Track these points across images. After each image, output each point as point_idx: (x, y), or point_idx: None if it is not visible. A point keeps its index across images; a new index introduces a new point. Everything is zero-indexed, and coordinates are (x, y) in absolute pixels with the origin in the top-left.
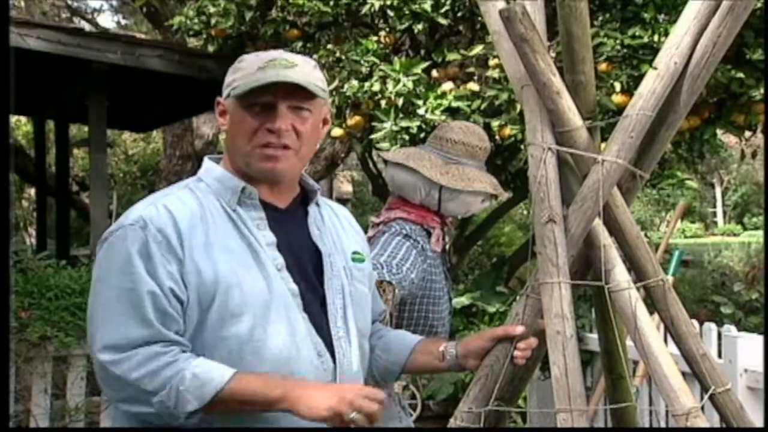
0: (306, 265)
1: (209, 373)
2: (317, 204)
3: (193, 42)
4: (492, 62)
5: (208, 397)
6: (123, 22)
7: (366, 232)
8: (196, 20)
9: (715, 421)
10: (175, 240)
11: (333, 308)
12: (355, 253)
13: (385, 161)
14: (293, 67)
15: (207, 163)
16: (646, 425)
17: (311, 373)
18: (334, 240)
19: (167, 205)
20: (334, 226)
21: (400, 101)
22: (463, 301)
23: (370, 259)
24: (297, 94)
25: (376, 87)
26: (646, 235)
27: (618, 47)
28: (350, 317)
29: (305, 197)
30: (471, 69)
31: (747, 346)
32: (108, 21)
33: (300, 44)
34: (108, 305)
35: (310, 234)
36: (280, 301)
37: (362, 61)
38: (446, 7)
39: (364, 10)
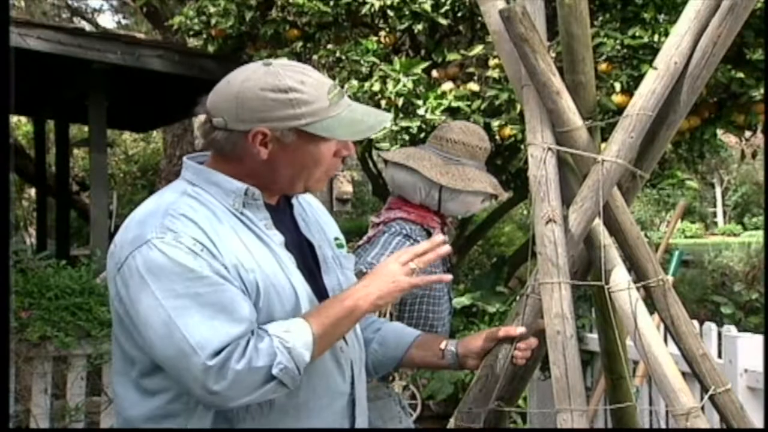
0: (309, 261)
1: (293, 326)
2: (296, 197)
3: (193, 42)
4: (492, 62)
5: (311, 341)
6: (123, 22)
7: (366, 232)
8: (196, 20)
9: (715, 421)
10: (211, 246)
11: None
12: (336, 239)
13: (385, 161)
14: (341, 91)
15: (193, 165)
16: (646, 425)
17: (333, 366)
18: (320, 230)
19: (185, 213)
20: (314, 216)
21: (400, 101)
22: (463, 301)
23: (346, 245)
24: None
25: (376, 87)
26: (646, 235)
27: (618, 47)
28: None
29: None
30: (471, 69)
31: (747, 346)
32: (108, 21)
33: (300, 44)
34: (192, 316)
35: (300, 228)
36: (305, 300)
37: (362, 61)
38: (446, 7)
39: (364, 10)
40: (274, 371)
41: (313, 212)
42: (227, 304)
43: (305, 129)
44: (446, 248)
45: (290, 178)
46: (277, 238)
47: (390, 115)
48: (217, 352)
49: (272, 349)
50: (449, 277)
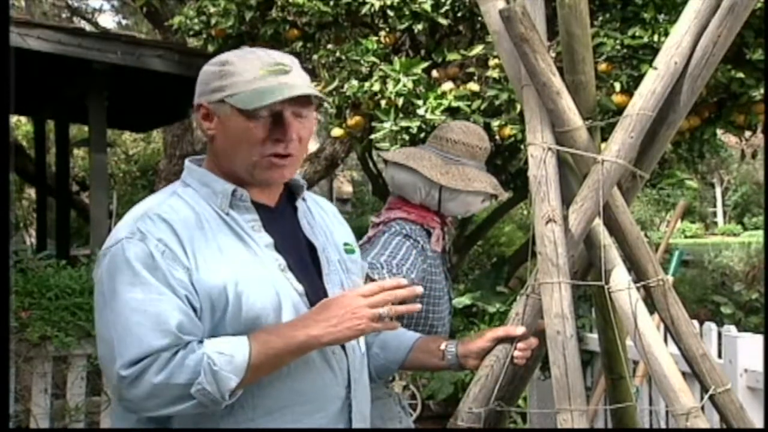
0: (307, 263)
1: (231, 347)
2: (303, 199)
3: (193, 42)
4: (492, 62)
5: (242, 367)
6: (123, 22)
7: (366, 232)
8: (196, 20)
9: (715, 421)
10: (178, 249)
11: None
12: (346, 244)
13: (385, 161)
14: (289, 72)
15: (190, 166)
16: (646, 425)
17: (326, 370)
18: (325, 233)
19: (161, 214)
20: (323, 220)
21: (400, 101)
22: (463, 301)
23: (359, 251)
24: (299, 100)
25: (376, 87)
26: (646, 235)
27: (618, 47)
28: None
29: (291, 193)
30: (471, 69)
31: (747, 346)
32: (108, 21)
33: (300, 44)
34: (121, 321)
35: (302, 229)
36: (288, 303)
37: (362, 61)
38: (446, 7)
39: (364, 10)
40: (192, 390)
41: (322, 215)
42: (161, 315)
43: (227, 101)
44: (416, 306)
45: (232, 158)
46: (262, 240)
47: (310, 88)
48: (134, 363)
49: (198, 367)
50: (417, 306)
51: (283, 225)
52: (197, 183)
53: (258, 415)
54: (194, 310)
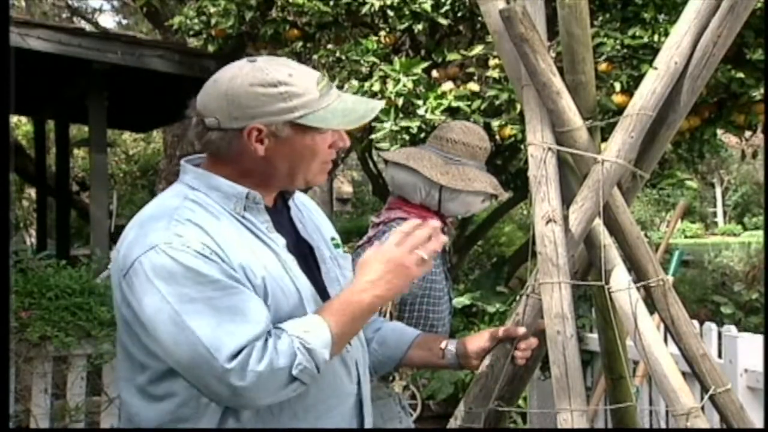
0: (310, 262)
1: (311, 325)
2: (292, 198)
3: (193, 42)
4: (492, 62)
5: (329, 340)
6: (123, 22)
7: (366, 232)
8: (196, 20)
9: (715, 421)
10: (219, 250)
11: None
12: (332, 239)
13: (385, 161)
14: (331, 83)
15: (191, 169)
16: (646, 425)
17: (340, 366)
18: (317, 231)
19: (190, 219)
20: (309, 216)
21: (400, 101)
22: (463, 301)
23: (342, 244)
24: None
25: (376, 87)
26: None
27: (618, 47)
28: None
29: (281, 193)
30: (471, 69)
31: (747, 346)
32: (108, 21)
33: (300, 44)
34: (206, 320)
35: (297, 229)
36: (311, 301)
37: (362, 61)
38: (446, 7)
39: (364, 10)
40: (295, 372)
41: (308, 213)
42: (241, 307)
43: (299, 122)
44: (444, 238)
45: (288, 173)
46: (279, 240)
47: (381, 103)
48: (235, 355)
49: (292, 349)
50: (444, 239)
51: (285, 226)
52: (206, 187)
53: (285, 417)
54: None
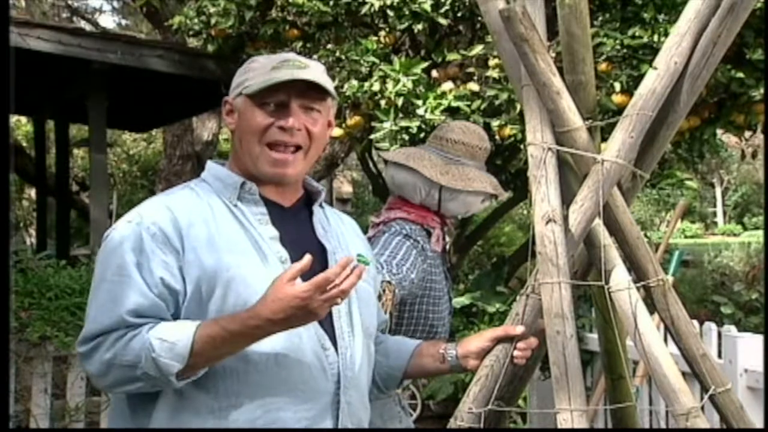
0: (315, 263)
1: (174, 333)
2: (321, 206)
3: (193, 42)
4: (492, 62)
5: (184, 354)
6: (123, 22)
7: (366, 232)
8: (196, 20)
9: (715, 421)
10: (172, 232)
11: None
12: (360, 255)
13: (385, 161)
14: (306, 68)
15: (209, 164)
16: (646, 425)
17: (315, 364)
18: (339, 240)
19: (166, 202)
20: (339, 228)
21: (400, 101)
22: (463, 301)
23: (374, 264)
24: (309, 94)
25: (376, 87)
26: (646, 235)
27: (618, 47)
28: (355, 313)
29: (309, 199)
30: (471, 69)
31: (747, 346)
32: (108, 21)
33: (300, 44)
34: (92, 301)
35: (316, 233)
36: None
37: (362, 61)
38: (446, 7)
39: (364, 10)
40: (138, 372)
41: (339, 225)
42: (116, 297)
43: (243, 92)
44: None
45: (243, 151)
46: (267, 232)
47: (315, 74)
48: (89, 340)
49: (142, 351)
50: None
51: (294, 224)
52: (212, 178)
53: (242, 401)
54: (172, 293)
